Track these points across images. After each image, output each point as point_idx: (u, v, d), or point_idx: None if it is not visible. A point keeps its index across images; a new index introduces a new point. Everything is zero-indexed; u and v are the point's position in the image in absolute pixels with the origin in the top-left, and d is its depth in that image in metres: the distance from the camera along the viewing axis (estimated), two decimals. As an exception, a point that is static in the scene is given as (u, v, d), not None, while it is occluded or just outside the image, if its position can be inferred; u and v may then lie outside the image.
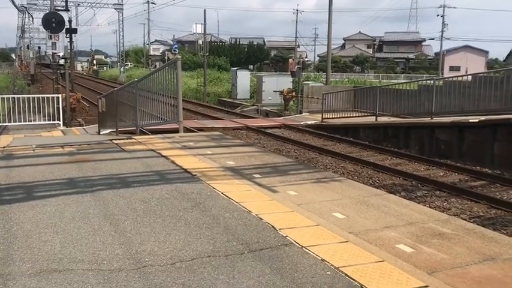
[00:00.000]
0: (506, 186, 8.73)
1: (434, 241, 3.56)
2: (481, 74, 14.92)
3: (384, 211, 4.30)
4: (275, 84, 27.65)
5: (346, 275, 2.92)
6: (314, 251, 3.26)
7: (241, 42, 74.27)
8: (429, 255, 3.30)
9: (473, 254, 3.32)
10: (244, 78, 34.45)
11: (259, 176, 5.54)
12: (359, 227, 3.84)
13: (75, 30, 23.61)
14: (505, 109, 11.88)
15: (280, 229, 3.70)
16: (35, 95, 16.26)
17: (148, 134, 9.73)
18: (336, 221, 3.97)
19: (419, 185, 8.82)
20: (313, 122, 18.01)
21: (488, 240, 3.61)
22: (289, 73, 27.12)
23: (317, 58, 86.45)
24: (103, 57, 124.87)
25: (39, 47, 62.82)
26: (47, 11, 22.31)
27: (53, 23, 17.17)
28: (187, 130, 12.34)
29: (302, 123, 17.87)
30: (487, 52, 73.38)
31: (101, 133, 12.70)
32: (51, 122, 15.36)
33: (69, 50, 19.94)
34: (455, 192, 8.16)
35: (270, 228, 3.74)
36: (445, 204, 7.60)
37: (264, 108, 26.11)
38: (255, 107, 27.51)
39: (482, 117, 11.60)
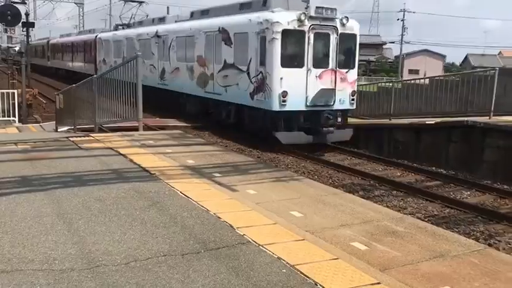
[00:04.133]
0: (460, 186, 9.03)
1: (387, 239, 3.65)
2: (438, 77, 15.38)
3: (340, 210, 4.37)
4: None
5: (301, 272, 2.95)
6: (270, 249, 3.28)
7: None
8: (382, 252, 3.37)
9: (424, 251, 3.42)
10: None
11: (219, 175, 5.52)
12: (315, 225, 3.88)
13: (32, 24, 22.85)
14: (459, 112, 12.29)
15: (237, 228, 3.70)
16: (-12, 90, 15.62)
17: (107, 132, 9.53)
18: (294, 220, 4.01)
19: (377, 184, 9.00)
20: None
21: (439, 237, 3.73)
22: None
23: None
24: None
25: (-7, 40, 60.65)
26: (3, 3, 21.52)
27: (8, 15, 16.56)
28: (148, 128, 12.16)
29: (265, 122, 17.88)
30: (444, 56, 75.47)
31: (59, 130, 12.33)
32: (6, 118, 14.80)
33: (25, 44, 19.32)
34: (411, 192, 8.37)
35: (228, 227, 3.73)
36: (401, 203, 7.79)
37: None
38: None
39: (438, 119, 11.97)
